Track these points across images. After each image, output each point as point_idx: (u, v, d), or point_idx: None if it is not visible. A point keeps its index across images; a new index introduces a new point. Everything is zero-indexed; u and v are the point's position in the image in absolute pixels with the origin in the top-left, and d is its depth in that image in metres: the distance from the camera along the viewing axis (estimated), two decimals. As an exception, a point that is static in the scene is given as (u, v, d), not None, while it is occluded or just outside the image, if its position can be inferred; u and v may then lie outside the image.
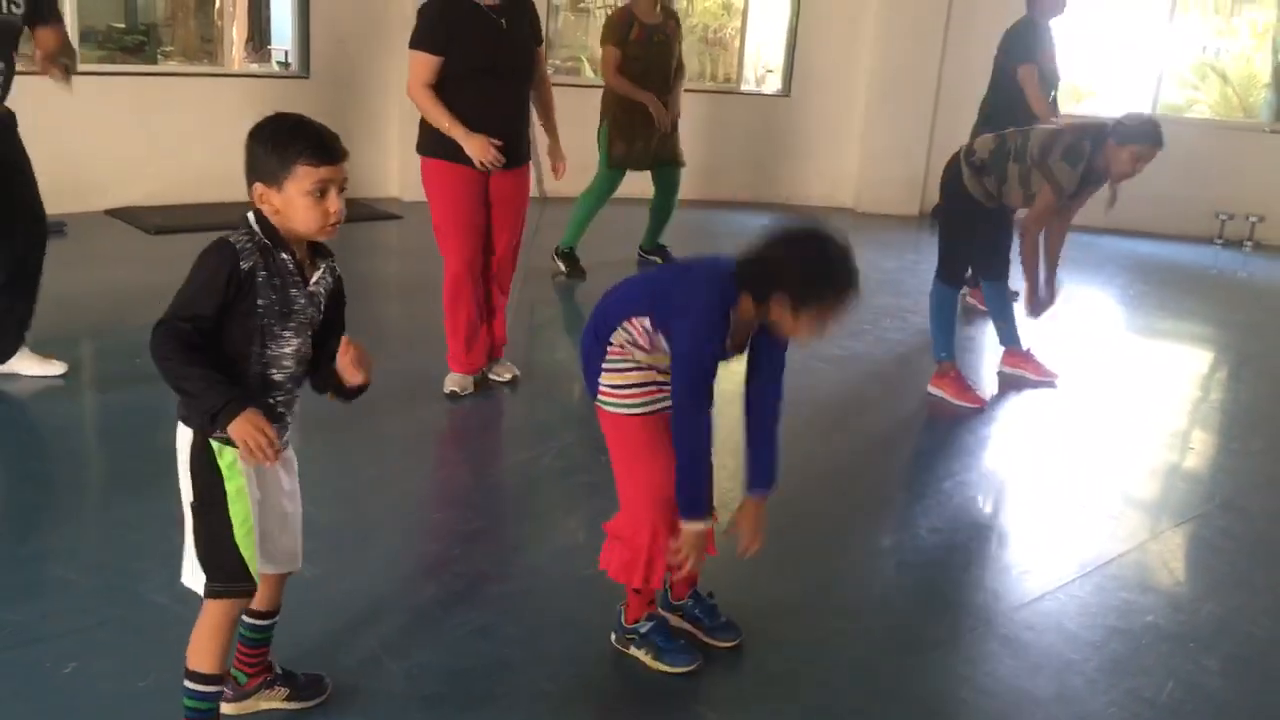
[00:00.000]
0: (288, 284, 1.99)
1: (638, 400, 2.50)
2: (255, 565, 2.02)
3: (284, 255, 1.98)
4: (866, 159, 9.21)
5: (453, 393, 4.23)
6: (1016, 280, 4.99)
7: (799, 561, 3.24)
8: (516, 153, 4.12)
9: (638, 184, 6.55)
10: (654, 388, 2.50)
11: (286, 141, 1.93)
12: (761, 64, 10.97)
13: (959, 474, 4.00)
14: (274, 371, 2.02)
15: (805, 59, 9.17)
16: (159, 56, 9.24)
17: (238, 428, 1.86)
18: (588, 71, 10.13)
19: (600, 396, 2.52)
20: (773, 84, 10.02)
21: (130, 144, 7.09)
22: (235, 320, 1.93)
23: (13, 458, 3.68)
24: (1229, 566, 3.52)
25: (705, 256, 2.50)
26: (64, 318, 4.61)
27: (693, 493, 2.44)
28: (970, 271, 5.17)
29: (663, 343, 2.43)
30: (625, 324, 2.46)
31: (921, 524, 3.63)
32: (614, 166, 6.30)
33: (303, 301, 2.02)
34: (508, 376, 4.48)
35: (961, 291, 5.07)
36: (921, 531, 3.57)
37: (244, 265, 1.91)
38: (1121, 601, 3.14)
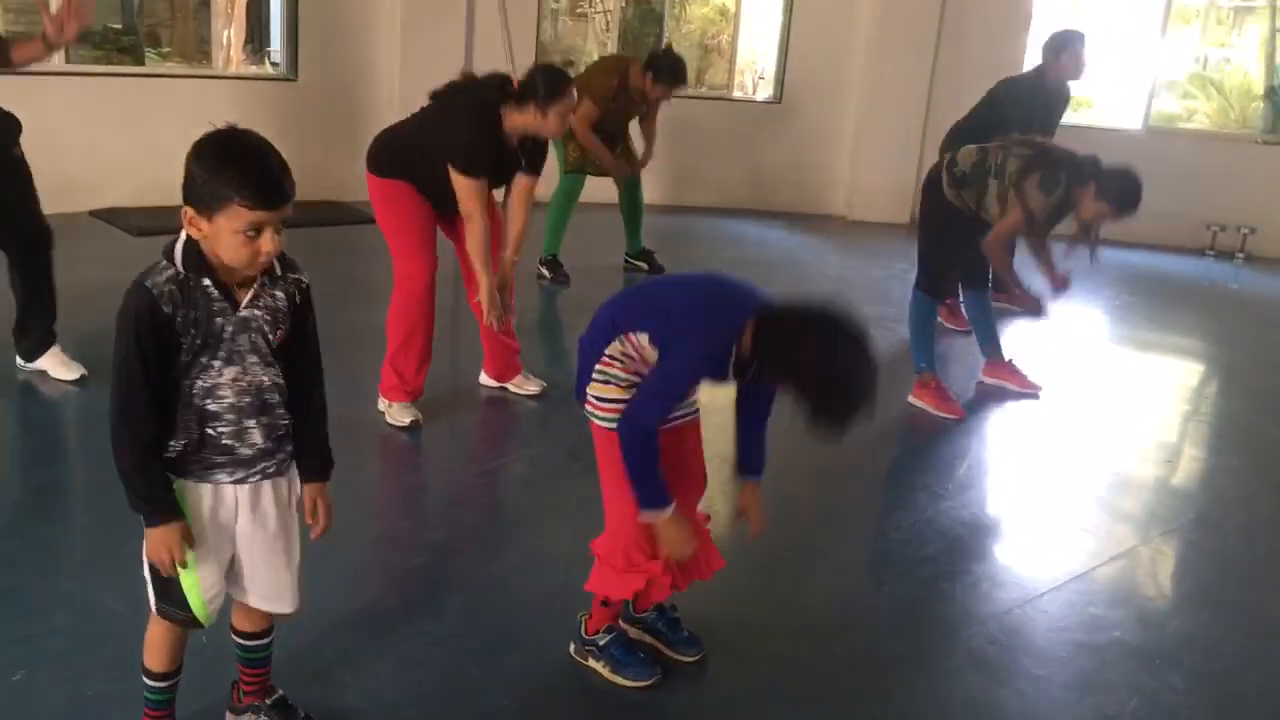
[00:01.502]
0: (211, 313, 1.90)
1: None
2: (198, 600, 2.01)
3: (205, 282, 1.89)
4: (857, 166, 9.20)
5: (414, 422, 4.04)
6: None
7: (767, 574, 3.22)
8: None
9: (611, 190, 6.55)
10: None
11: (226, 174, 1.80)
12: (755, 71, 10.99)
13: (934, 486, 3.98)
14: (209, 403, 1.94)
15: (797, 66, 9.15)
16: (154, 57, 9.23)
17: (149, 542, 1.95)
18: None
19: (588, 408, 2.48)
20: (764, 91, 10.01)
21: (115, 145, 7.08)
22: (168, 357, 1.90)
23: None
24: (1199, 582, 3.51)
25: (707, 276, 2.47)
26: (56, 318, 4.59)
27: (645, 487, 2.37)
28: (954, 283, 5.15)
29: (653, 357, 2.39)
30: (624, 337, 2.41)
31: (893, 537, 3.60)
32: (570, 170, 6.30)
33: (231, 329, 1.93)
34: (536, 389, 4.44)
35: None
36: (893, 545, 3.55)
37: (165, 309, 1.85)
38: (1090, 616, 3.12)
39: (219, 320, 1.92)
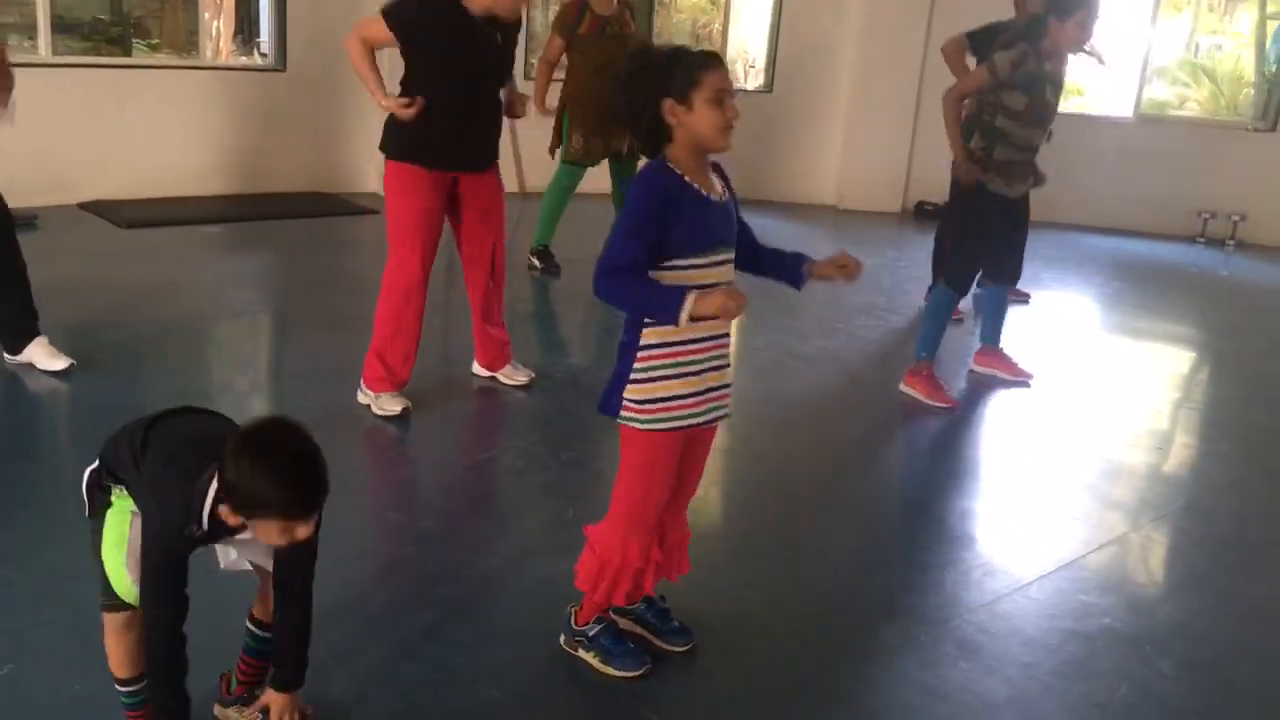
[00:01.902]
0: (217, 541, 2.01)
1: (659, 415, 2.38)
2: (122, 583, 2.03)
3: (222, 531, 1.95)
4: (849, 156, 9.19)
5: (404, 410, 4.04)
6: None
7: (756, 564, 3.22)
8: (486, 155, 4.06)
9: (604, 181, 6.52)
10: (678, 402, 2.38)
11: (264, 490, 1.81)
12: (746, 60, 10.96)
13: (924, 474, 3.98)
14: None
15: (788, 55, 9.14)
16: (143, 49, 9.18)
17: None
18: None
19: (624, 413, 2.40)
20: (755, 80, 9.99)
21: (103, 137, 7.04)
22: None
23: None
24: (1190, 569, 3.51)
25: None
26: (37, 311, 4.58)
27: (663, 306, 2.25)
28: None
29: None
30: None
31: (882, 526, 3.61)
32: (568, 161, 6.25)
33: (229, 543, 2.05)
34: (524, 379, 4.43)
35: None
36: (882, 534, 3.55)
37: (189, 542, 1.93)
38: (1080, 604, 3.12)
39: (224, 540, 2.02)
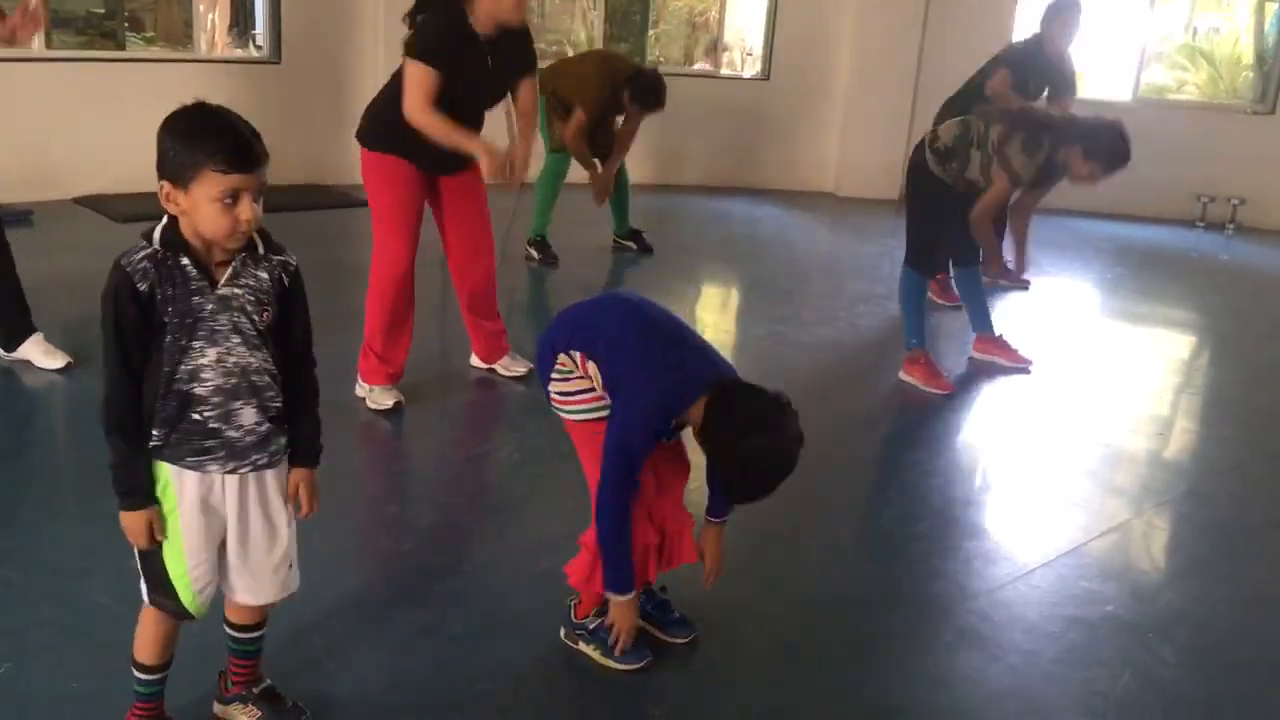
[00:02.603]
0: (189, 291, 1.88)
1: (589, 405, 2.49)
2: (186, 588, 2.01)
3: (184, 260, 1.87)
4: (846, 143, 9.16)
5: (396, 404, 4.02)
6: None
7: (757, 555, 3.20)
8: (467, 159, 3.90)
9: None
10: (598, 393, 2.47)
11: (198, 142, 1.81)
12: (743, 48, 10.92)
13: (924, 463, 3.97)
14: (194, 386, 1.91)
15: (785, 43, 9.10)
16: (139, 42, 9.14)
17: (124, 521, 1.96)
18: (570, 55, 10.03)
19: (553, 404, 2.54)
20: (752, 68, 9.95)
21: (98, 131, 7.00)
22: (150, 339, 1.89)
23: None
24: (1191, 554, 3.50)
25: (665, 336, 2.45)
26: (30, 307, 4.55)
27: (616, 568, 2.48)
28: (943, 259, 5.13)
29: (600, 379, 2.43)
30: (574, 354, 2.45)
31: (884, 514, 3.60)
32: (554, 149, 6.26)
33: (211, 308, 1.90)
34: (522, 371, 4.41)
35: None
36: (883, 522, 3.55)
37: (141, 287, 1.84)
38: (1082, 591, 3.11)
39: (196, 299, 1.89)
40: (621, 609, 2.51)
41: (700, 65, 10.94)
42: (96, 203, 6.84)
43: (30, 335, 4.17)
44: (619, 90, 6.08)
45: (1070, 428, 4.41)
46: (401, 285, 3.97)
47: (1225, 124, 9.30)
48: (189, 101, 1.87)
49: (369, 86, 7.80)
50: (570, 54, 10.01)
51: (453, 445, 4.07)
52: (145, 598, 2.06)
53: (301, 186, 7.56)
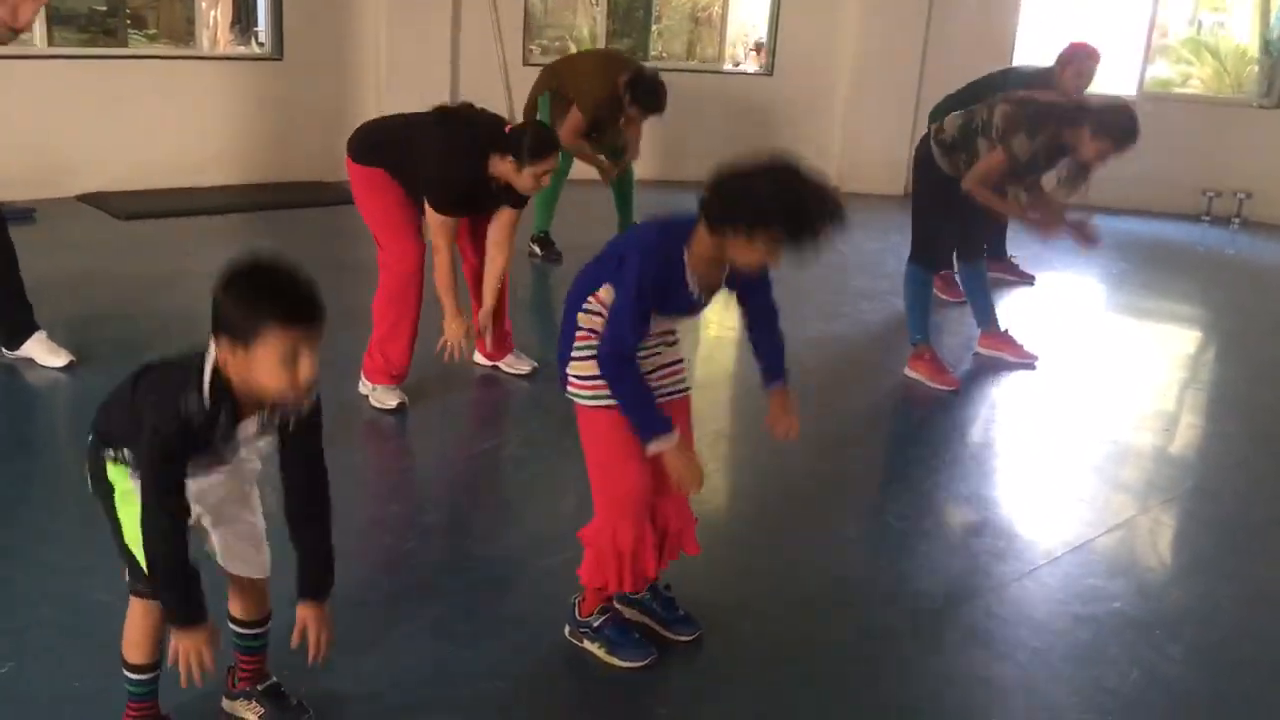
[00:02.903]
0: (220, 437, 1.90)
1: (604, 391, 2.41)
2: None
3: (222, 417, 1.87)
4: (849, 139, 9.13)
5: (400, 404, 4.03)
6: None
7: (762, 552, 3.20)
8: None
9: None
10: None
11: (260, 299, 1.78)
12: (746, 43, 10.89)
13: (929, 459, 3.95)
14: (197, 501, 2.00)
15: (788, 38, 9.07)
16: (140, 39, 9.13)
17: (182, 641, 1.93)
18: (573, 51, 10.01)
19: (569, 388, 2.47)
20: (756, 63, 9.93)
21: (100, 128, 7.00)
22: None
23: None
24: (1197, 551, 3.49)
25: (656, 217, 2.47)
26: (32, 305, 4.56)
27: (643, 417, 2.37)
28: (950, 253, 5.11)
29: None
30: (590, 298, 2.41)
31: (890, 511, 3.58)
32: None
33: (234, 454, 1.98)
34: (527, 369, 4.41)
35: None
36: (889, 519, 3.53)
37: (195, 425, 1.86)
38: (1089, 588, 3.09)
39: (223, 444, 1.93)
40: (672, 456, 2.38)
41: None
42: (99, 200, 6.83)
43: (33, 333, 4.16)
44: (618, 92, 6.04)
45: (1076, 423, 4.39)
46: (409, 286, 3.97)
47: (1230, 118, 9.25)
48: (244, 254, 1.84)
49: (370, 83, 7.86)
50: (573, 49, 10.02)
51: (457, 442, 4.05)
52: (129, 588, 2.07)
53: (305, 183, 7.55)
